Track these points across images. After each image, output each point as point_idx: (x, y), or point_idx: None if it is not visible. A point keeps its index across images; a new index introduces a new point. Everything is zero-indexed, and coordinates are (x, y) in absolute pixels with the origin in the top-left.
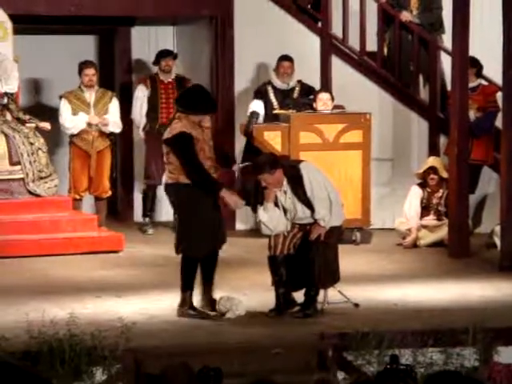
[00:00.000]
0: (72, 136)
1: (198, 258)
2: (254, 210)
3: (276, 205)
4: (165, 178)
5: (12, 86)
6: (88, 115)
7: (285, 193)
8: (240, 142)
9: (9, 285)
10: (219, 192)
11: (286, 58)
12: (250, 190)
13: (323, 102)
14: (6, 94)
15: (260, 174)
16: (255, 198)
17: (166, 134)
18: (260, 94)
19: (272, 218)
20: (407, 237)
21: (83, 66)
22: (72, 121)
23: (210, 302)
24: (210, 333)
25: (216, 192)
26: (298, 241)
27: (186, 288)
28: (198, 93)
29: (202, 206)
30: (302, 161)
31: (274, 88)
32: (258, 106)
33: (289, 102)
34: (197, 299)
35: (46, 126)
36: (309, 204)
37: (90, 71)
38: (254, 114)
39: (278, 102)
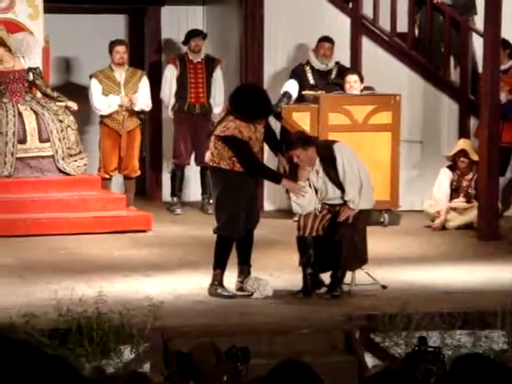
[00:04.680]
0: (102, 116)
1: (233, 239)
2: (287, 190)
3: (308, 185)
4: (207, 157)
5: (34, 61)
6: (118, 96)
7: (317, 172)
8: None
9: (38, 263)
10: (280, 182)
11: (326, 39)
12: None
13: (350, 84)
14: (30, 69)
15: (293, 149)
16: (289, 177)
17: (220, 130)
18: (297, 74)
19: (304, 197)
20: (436, 219)
21: (114, 44)
22: (103, 103)
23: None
24: (237, 313)
25: (278, 183)
26: (327, 223)
27: (218, 266)
28: (253, 98)
29: (238, 189)
30: (335, 141)
31: (312, 68)
32: (292, 86)
33: (319, 83)
34: (233, 281)
35: (73, 106)
36: (340, 185)
37: (122, 48)
38: (286, 95)
39: (316, 83)
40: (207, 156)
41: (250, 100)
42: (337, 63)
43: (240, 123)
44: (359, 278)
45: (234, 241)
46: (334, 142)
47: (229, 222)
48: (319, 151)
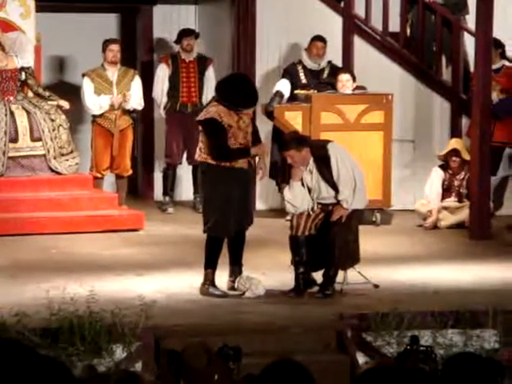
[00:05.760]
0: (95, 115)
1: (222, 238)
2: (280, 189)
3: (301, 184)
4: (196, 153)
5: (27, 60)
6: (111, 95)
7: (310, 172)
8: (260, 121)
9: (30, 262)
10: (249, 153)
11: (319, 38)
12: (278, 169)
13: (342, 83)
14: (22, 68)
15: (287, 150)
16: (282, 176)
17: (201, 115)
18: (289, 73)
19: (297, 197)
20: (428, 218)
21: (108, 42)
22: (95, 103)
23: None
24: (229, 312)
25: (246, 156)
26: (320, 222)
27: (208, 266)
28: (239, 86)
29: (226, 187)
30: (329, 141)
31: (305, 68)
32: (284, 85)
33: (311, 82)
34: (225, 280)
35: (65, 105)
36: (333, 184)
37: (115, 47)
38: (278, 94)
39: (308, 82)
40: (197, 153)
41: (235, 88)
42: (329, 62)
43: (222, 109)
44: (351, 277)
45: (222, 240)
46: (327, 141)
47: (218, 222)
48: (313, 151)
